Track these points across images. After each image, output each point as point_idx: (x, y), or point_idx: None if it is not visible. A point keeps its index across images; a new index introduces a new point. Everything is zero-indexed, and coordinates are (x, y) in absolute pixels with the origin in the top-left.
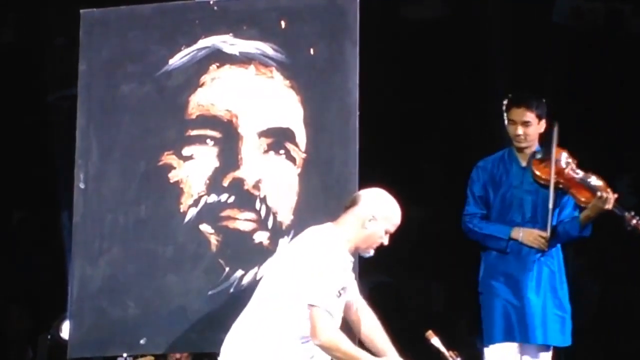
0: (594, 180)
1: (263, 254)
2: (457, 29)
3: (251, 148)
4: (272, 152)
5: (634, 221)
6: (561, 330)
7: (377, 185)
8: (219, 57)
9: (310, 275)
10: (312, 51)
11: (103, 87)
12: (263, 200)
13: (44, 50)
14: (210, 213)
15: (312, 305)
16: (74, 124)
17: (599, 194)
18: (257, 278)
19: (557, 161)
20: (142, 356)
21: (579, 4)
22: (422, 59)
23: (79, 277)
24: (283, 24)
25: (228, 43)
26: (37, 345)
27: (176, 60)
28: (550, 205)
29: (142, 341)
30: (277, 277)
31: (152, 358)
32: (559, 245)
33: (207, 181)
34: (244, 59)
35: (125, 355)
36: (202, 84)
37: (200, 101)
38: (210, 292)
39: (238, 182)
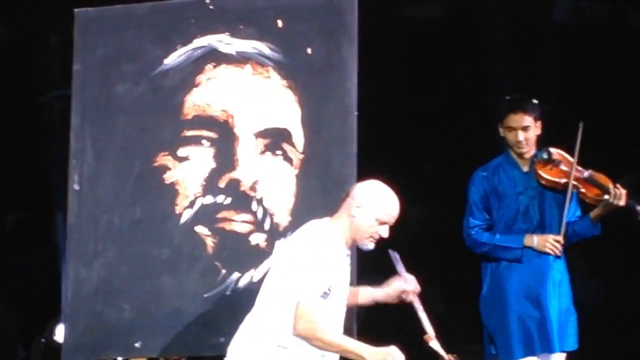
0: (602, 178)
1: (260, 256)
2: (457, 28)
3: (248, 149)
4: (269, 153)
5: None
6: (574, 334)
7: None
8: (215, 57)
9: (299, 273)
10: (309, 50)
11: (97, 86)
12: (260, 201)
13: (37, 50)
14: (206, 215)
15: (297, 301)
16: (68, 124)
17: (611, 191)
18: (254, 280)
19: (561, 162)
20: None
21: (580, 3)
22: (421, 57)
23: (74, 280)
24: (280, 23)
25: (224, 42)
26: (30, 348)
27: (172, 60)
28: (567, 207)
29: (137, 344)
30: (275, 275)
31: None
32: (562, 248)
33: (203, 182)
34: (241, 59)
35: (120, 358)
36: (198, 84)
37: (196, 101)
38: (206, 295)
39: (234, 184)
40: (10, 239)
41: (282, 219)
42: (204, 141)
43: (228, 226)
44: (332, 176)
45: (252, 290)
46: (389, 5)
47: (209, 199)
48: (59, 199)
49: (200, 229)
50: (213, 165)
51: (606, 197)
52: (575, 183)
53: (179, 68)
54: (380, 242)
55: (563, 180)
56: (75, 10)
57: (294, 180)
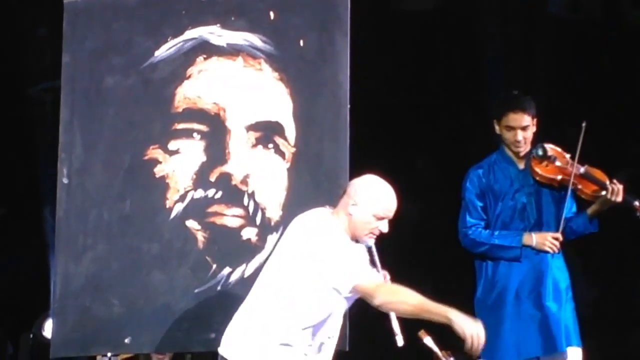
0: (598, 174)
1: (251, 251)
2: (450, 21)
3: (239, 142)
4: (260, 146)
5: None
6: (577, 331)
7: None
8: (206, 49)
9: (336, 262)
10: (301, 43)
11: (87, 79)
12: (251, 195)
13: (26, 41)
14: (197, 209)
15: (355, 285)
16: (57, 117)
17: (608, 187)
18: (245, 276)
19: (556, 158)
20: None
21: None
22: (415, 51)
23: (62, 275)
24: (272, 14)
25: (215, 34)
26: (18, 343)
27: (162, 52)
28: (565, 204)
29: (126, 340)
30: (282, 264)
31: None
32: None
33: (194, 176)
34: (232, 51)
35: (109, 354)
36: (189, 76)
37: (186, 94)
38: (196, 290)
39: (225, 177)
40: None
41: (274, 213)
42: (194, 134)
43: (219, 220)
44: (324, 170)
45: (244, 285)
46: None
47: (199, 193)
48: (47, 193)
49: (191, 224)
50: (204, 158)
51: (603, 193)
52: (568, 179)
53: (170, 60)
54: (380, 237)
55: (559, 177)
56: (65, 1)
57: (285, 174)
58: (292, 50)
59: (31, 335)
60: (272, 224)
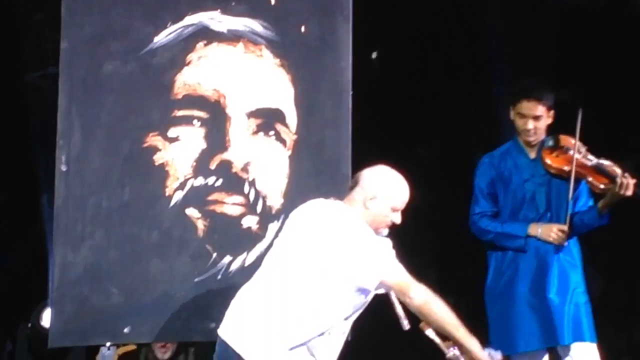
0: (610, 166)
1: (252, 239)
2: (453, 8)
3: (240, 129)
4: (261, 134)
5: None
6: (590, 326)
7: None
8: (206, 35)
9: (366, 257)
10: (303, 28)
11: (85, 65)
12: (252, 183)
13: (23, 28)
14: (197, 197)
15: (393, 282)
16: (54, 104)
17: (618, 180)
18: (246, 265)
19: (569, 149)
20: (124, 345)
21: None
22: (418, 37)
23: (60, 264)
24: (273, 0)
25: (216, 20)
26: (16, 335)
27: (161, 38)
28: (570, 196)
29: (126, 330)
30: (293, 257)
31: (134, 347)
32: (575, 238)
33: (194, 163)
34: (232, 37)
35: (108, 344)
36: (189, 63)
37: (186, 80)
38: (196, 279)
39: (226, 165)
40: None
41: (275, 201)
42: (194, 121)
43: (219, 208)
44: (326, 158)
45: (244, 274)
46: None
47: (199, 181)
48: (45, 181)
49: (191, 212)
50: (204, 145)
51: (612, 186)
52: (580, 171)
53: (169, 46)
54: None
55: (567, 168)
56: None
57: (286, 162)
58: (294, 36)
59: (29, 325)
60: (273, 212)
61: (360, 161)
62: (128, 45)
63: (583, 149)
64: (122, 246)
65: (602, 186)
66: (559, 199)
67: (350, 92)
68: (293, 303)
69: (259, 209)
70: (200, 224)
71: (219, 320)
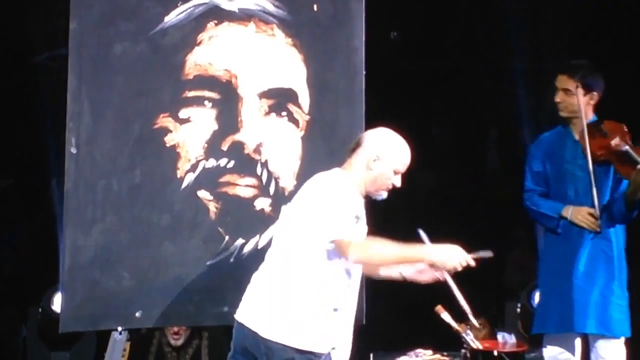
0: (637, 153)
1: (264, 221)
2: None
3: (252, 110)
4: (273, 114)
5: None
6: (621, 320)
7: None
8: (217, 14)
9: (322, 213)
10: (315, 7)
11: (95, 46)
12: (264, 165)
13: (31, 8)
14: (209, 179)
15: (335, 240)
16: (64, 85)
17: (638, 167)
18: (259, 247)
19: (606, 134)
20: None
21: None
22: (432, 14)
23: (71, 247)
24: None
25: None
26: (27, 318)
27: (172, 18)
28: (592, 179)
29: (137, 314)
30: (289, 230)
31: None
32: (618, 227)
33: (205, 145)
34: (244, 16)
35: (120, 328)
36: (200, 43)
37: (197, 61)
38: (209, 262)
39: (238, 146)
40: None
41: (288, 182)
42: (206, 102)
43: (231, 190)
44: (339, 138)
45: (257, 257)
46: None
47: (211, 163)
48: (54, 164)
49: (203, 194)
50: (215, 127)
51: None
52: (603, 154)
53: (180, 26)
54: (392, 193)
55: (599, 152)
56: None
57: (299, 143)
58: (306, 15)
59: (40, 310)
60: (286, 193)
61: None
62: (138, 25)
63: (624, 135)
64: (133, 229)
65: (624, 172)
66: (598, 183)
67: (364, 72)
68: (295, 275)
69: (271, 190)
70: (212, 207)
71: (232, 303)
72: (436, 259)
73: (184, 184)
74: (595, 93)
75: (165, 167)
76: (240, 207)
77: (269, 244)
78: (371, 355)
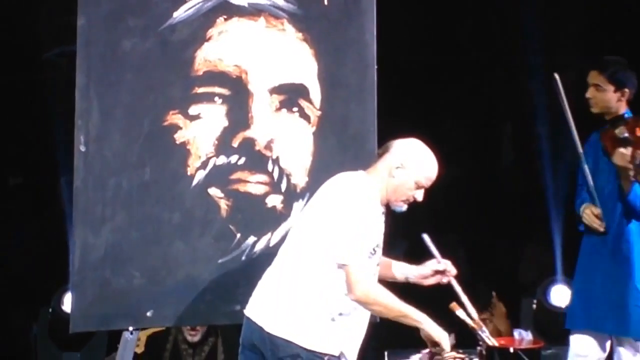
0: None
1: (276, 219)
2: None
3: (262, 106)
4: (284, 110)
5: None
6: (638, 321)
7: None
8: (227, 9)
9: (341, 233)
10: (325, 1)
11: (103, 42)
12: (275, 161)
13: (39, 3)
14: (220, 176)
15: (344, 265)
16: (72, 82)
17: (619, 149)
18: (271, 245)
19: (622, 135)
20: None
21: None
22: (445, 7)
23: (81, 246)
24: None
25: None
26: (37, 318)
27: (181, 13)
28: (586, 171)
29: (148, 313)
30: (305, 229)
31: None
32: (637, 225)
33: (216, 142)
34: (253, 11)
35: (131, 328)
36: (209, 38)
37: (207, 56)
38: (220, 261)
39: (249, 143)
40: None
41: (299, 179)
42: (216, 98)
43: (242, 188)
44: (351, 134)
45: (269, 254)
46: None
47: (222, 159)
48: (63, 162)
49: (214, 191)
50: (226, 123)
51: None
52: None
53: (189, 21)
54: (411, 206)
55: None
56: None
57: (311, 139)
58: (316, 9)
59: (50, 310)
60: (298, 190)
61: (386, 137)
62: (147, 21)
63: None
64: (143, 228)
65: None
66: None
67: (375, 66)
68: (302, 276)
69: (283, 187)
70: (223, 204)
71: (244, 302)
72: (434, 334)
73: (195, 182)
74: (627, 90)
75: (176, 165)
76: (251, 204)
77: (281, 242)
78: (386, 354)
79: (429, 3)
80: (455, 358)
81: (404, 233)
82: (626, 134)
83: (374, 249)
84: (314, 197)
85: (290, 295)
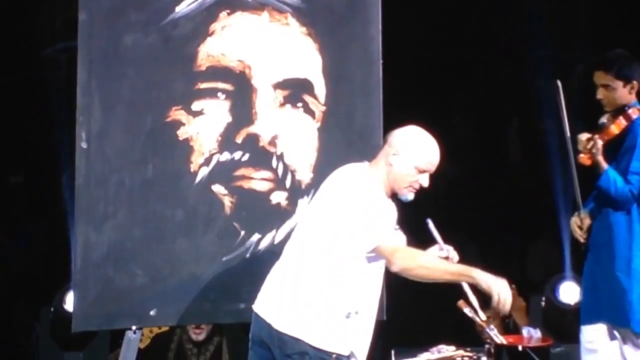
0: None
1: (281, 215)
2: None
3: (266, 101)
4: (288, 105)
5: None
6: (626, 311)
7: None
8: (230, 3)
9: (358, 224)
10: None
11: (105, 38)
12: (280, 157)
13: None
14: (223, 172)
15: (375, 248)
16: (73, 78)
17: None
18: (275, 242)
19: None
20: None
21: None
22: (451, 1)
23: (83, 244)
24: None
25: None
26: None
27: (183, 8)
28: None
29: (152, 312)
30: (310, 225)
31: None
32: (634, 211)
33: (219, 138)
34: (257, 5)
35: (134, 327)
36: (212, 33)
37: (210, 51)
38: (224, 258)
39: (253, 139)
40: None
41: (304, 175)
42: (219, 94)
43: (246, 184)
44: (356, 129)
45: (274, 252)
46: None
47: (225, 156)
48: (65, 159)
49: (217, 188)
50: (229, 119)
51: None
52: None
53: (191, 16)
54: (419, 193)
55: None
56: None
57: (315, 134)
58: (321, 3)
59: (52, 309)
60: (303, 186)
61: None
62: (148, 16)
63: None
64: (146, 225)
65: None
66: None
67: (381, 61)
68: (309, 274)
69: (287, 183)
70: (227, 201)
71: (248, 300)
72: (483, 279)
73: (198, 178)
74: (635, 81)
75: (179, 161)
76: (255, 201)
77: (286, 239)
78: (393, 352)
79: None
80: (463, 357)
81: (410, 229)
82: (604, 120)
83: (395, 226)
84: (318, 192)
85: (297, 292)
